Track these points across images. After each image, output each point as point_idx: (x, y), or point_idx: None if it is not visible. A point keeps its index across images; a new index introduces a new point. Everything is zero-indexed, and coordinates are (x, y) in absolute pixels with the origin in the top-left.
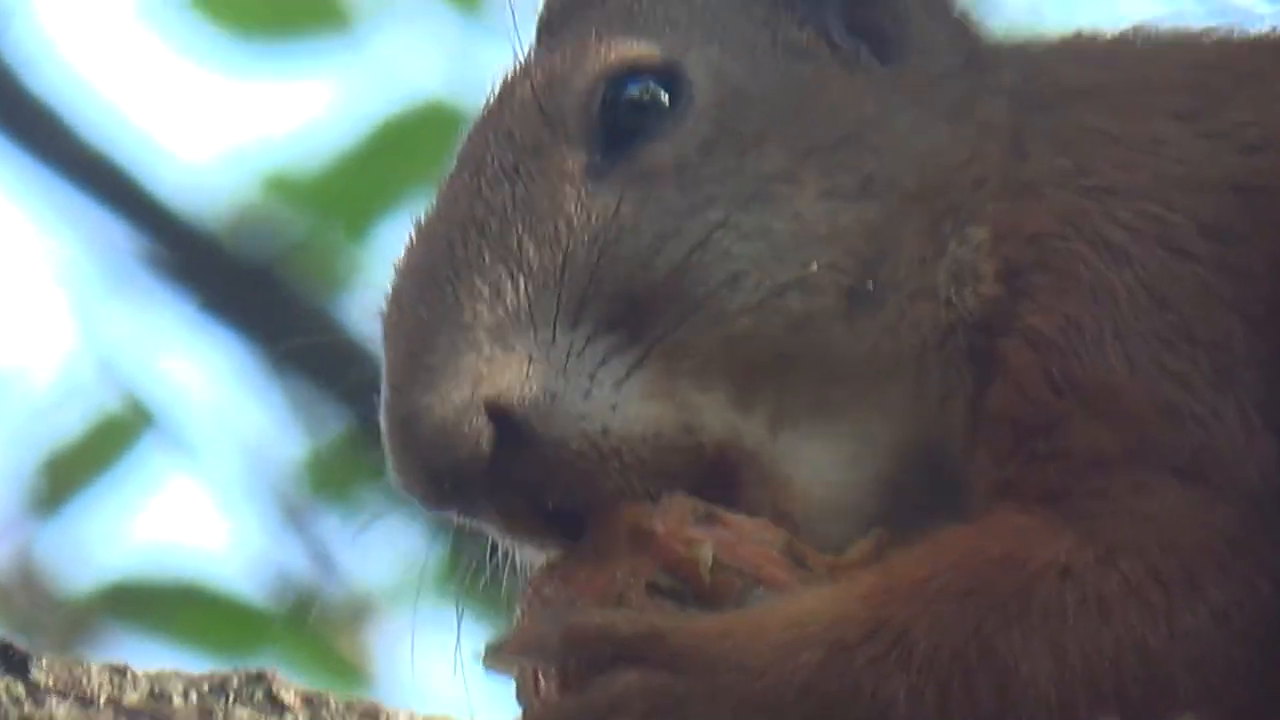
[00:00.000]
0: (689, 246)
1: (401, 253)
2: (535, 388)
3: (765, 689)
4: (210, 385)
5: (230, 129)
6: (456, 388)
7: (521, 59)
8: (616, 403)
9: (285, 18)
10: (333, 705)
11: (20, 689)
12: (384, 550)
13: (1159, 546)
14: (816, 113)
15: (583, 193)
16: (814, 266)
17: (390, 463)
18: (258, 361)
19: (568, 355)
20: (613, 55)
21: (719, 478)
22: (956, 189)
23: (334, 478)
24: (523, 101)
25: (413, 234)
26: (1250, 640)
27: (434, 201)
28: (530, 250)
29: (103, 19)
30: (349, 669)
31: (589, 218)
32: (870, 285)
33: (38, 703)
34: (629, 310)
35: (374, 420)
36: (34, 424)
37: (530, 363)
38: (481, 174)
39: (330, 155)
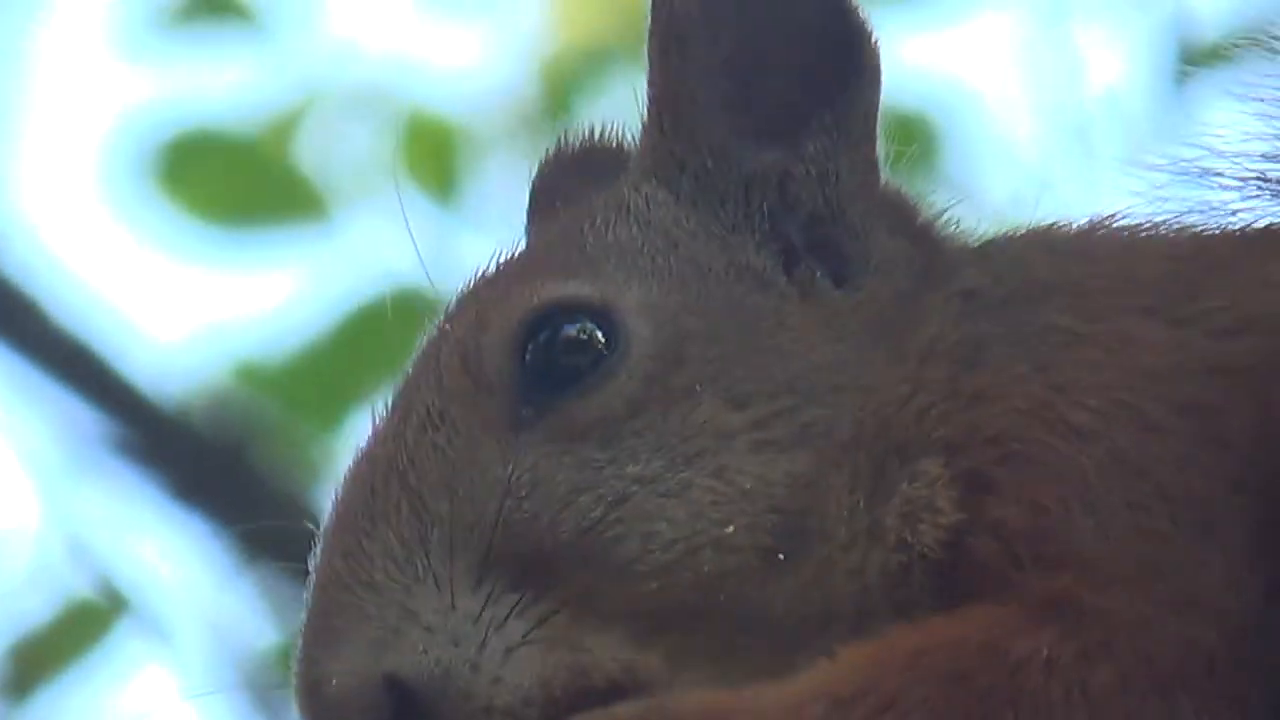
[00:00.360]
0: (605, 503)
1: (335, 489)
2: (430, 661)
3: None
4: (182, 571)
5: (202, 313)
6: (357, 657)
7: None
8: (501, 675)
9: (259, 205)
10: None
11: None
12: None
13: (1135, 656)
14: (762, 356)
15: (502, 446)
16: (730, 528)
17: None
18: (229, 547)
19: (463, 622)
20: (538, 297)
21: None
22: (898, 427)
23: None
24: (455, 343)
25: (345, 471)
26: None
27: (366, 439)
28: (444, 506)
29: (73, 203)
30: None
31: (504, 473)
32: (793, 541)
33: None
34: (537, 568)
35: None
36: (2, 608)
37: (429, 633)
38: (409, 418)
39: (302, 342)
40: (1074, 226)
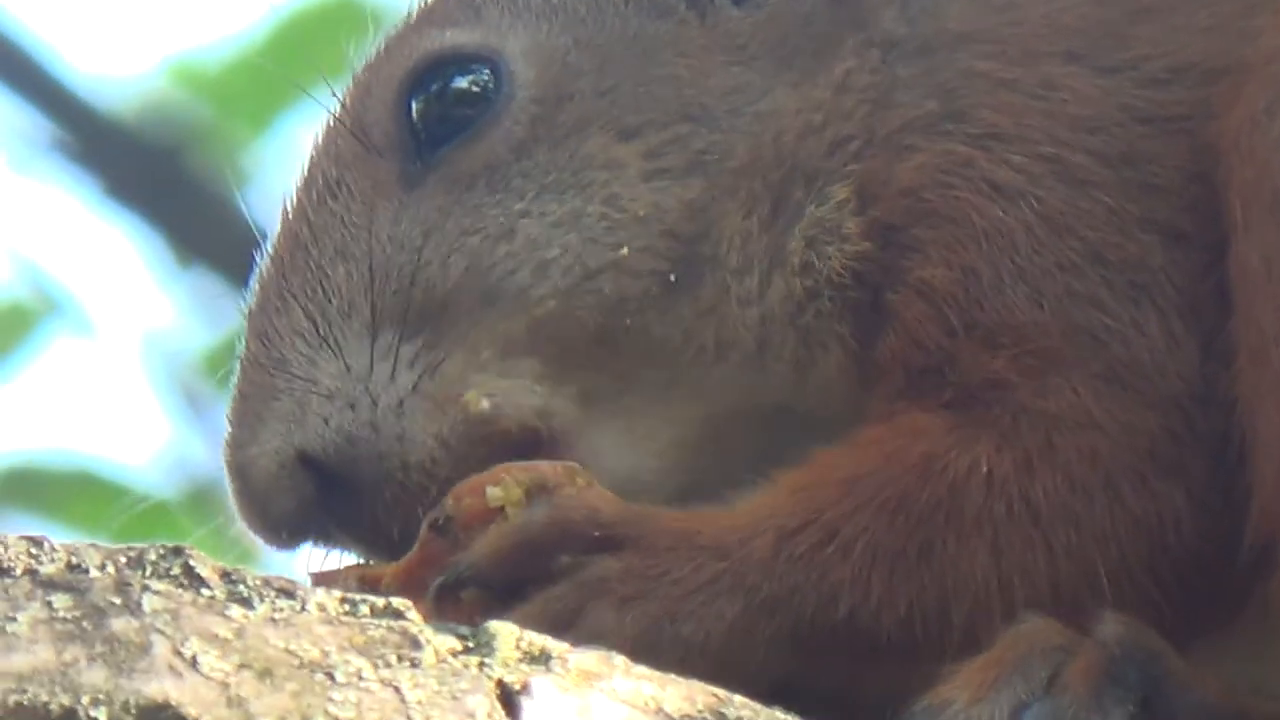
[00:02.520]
0: (492, 239)
1: (259, 259)
2: (332, 431)
3: (730, 570)
4: (115, 271)
5: (141, 20)
6: (273, 438)
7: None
8: (402, 430)
9: None
10: (250, 581)
11: None
12: None
13: (1078, 454)
14: (657, 86)
15: (394, 205)
16: (625, 250)
17: (232, 502)
18: (162, 249)
19: (356, 384)
20: (417, 51)
21: (525, 452)
22: (806, 154)
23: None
24: (346, 110)
25: (266, 245)
26: (1168, 547)
27: (282, 212)
28: (341, 271)
29: None
30: (247, 557)
31: (396, 229)
32: (688, 266)
33: None
34: (430, 318)
35: None
36: None
37: (329, 400)
38: (312, 188)
39: (237, 46)
40: None
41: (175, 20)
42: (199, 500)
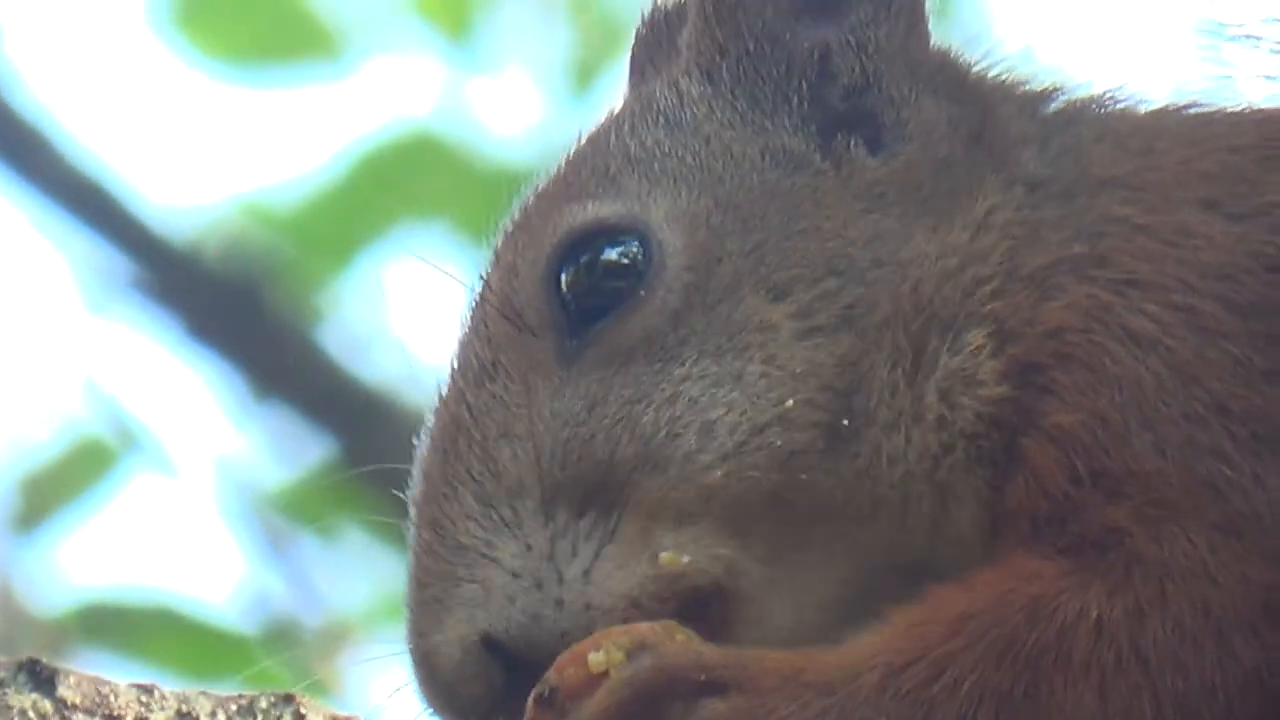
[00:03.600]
0: (656, 406)
1: (419, 444)
2: (518, 611)
3: (836, 705)
4: (194, 409)
5: (218, 152)
6: (457, 623)
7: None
8: (590, 600)
9: (273, 44)
10: None
11: (48, 705)
12: (362, 576)
13: (1190, 604)
14: (800, 240)
15: (553, 382)
16: (790, 402)
17: (418, 690)
18: (241, 386)
19: (539, 561)
20: (561, 228)
21: (699, 612)
22: (943, 301)
23: (314, 505)
24: (494, 292)
25: (423, 436)
26: (1278, 701)
27: (437, 400)
28: (506, 453)
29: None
30: (326, 695)
31: (558, 407)
32: (846, 421)
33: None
34: (601, 488)
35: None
36: (15, 442)
37: (514, 579)
38: (467, 373)
39: (316, 185)
40: (1134, 111)
41: (251, 155)
42: (277, 636)
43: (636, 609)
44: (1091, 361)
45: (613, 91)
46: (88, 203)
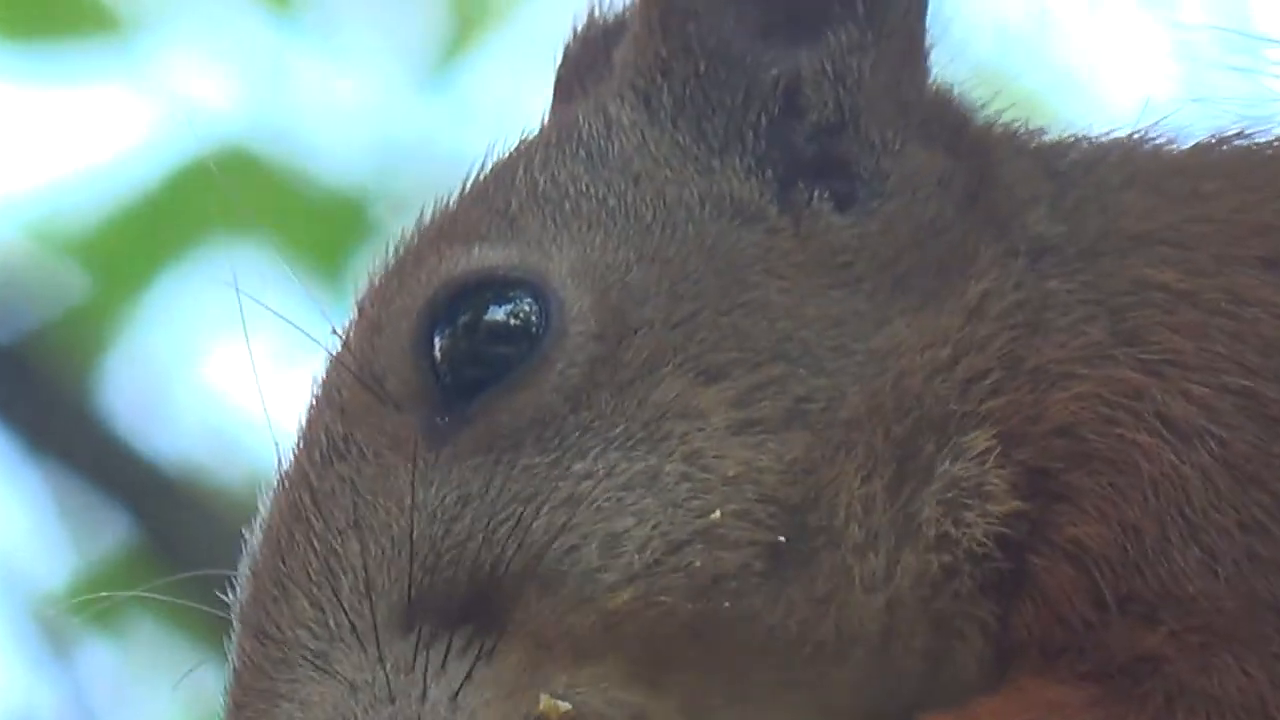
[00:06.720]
0: (549, 509)
1: (250, 537)
2: None
3: None
4: None
5: None
6: None
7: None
8: None
9: (41, 21)
10: None
11: None
12: (163, 695)
13: None
14: (743, 315)
15: (417, 465)
16: (716, 514)
17: None
18: (13, 458)
19: (395, 675)
20: (438, 276)
21: None
22: (934, 399)
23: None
24: (351, 353)
25: (259, 517)
26: None
27: (277, 479)
28: (354, 548)
29: None
30: None
31: (425, 498)
32: (798, 541)
33: None
34: (478, 600)
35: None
36: None
37: (355, 693)
38: (313, 450)
39: (106, 201)
40: (1168, 148)
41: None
42: None
43: None
44: (1118, 459)
45: (477, 81)
46: None
